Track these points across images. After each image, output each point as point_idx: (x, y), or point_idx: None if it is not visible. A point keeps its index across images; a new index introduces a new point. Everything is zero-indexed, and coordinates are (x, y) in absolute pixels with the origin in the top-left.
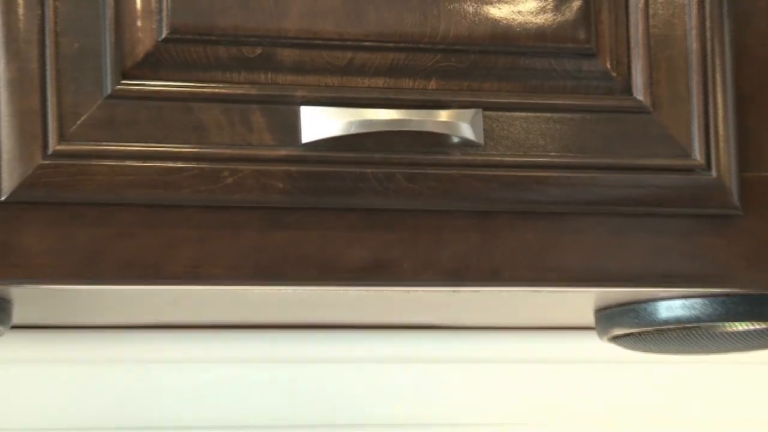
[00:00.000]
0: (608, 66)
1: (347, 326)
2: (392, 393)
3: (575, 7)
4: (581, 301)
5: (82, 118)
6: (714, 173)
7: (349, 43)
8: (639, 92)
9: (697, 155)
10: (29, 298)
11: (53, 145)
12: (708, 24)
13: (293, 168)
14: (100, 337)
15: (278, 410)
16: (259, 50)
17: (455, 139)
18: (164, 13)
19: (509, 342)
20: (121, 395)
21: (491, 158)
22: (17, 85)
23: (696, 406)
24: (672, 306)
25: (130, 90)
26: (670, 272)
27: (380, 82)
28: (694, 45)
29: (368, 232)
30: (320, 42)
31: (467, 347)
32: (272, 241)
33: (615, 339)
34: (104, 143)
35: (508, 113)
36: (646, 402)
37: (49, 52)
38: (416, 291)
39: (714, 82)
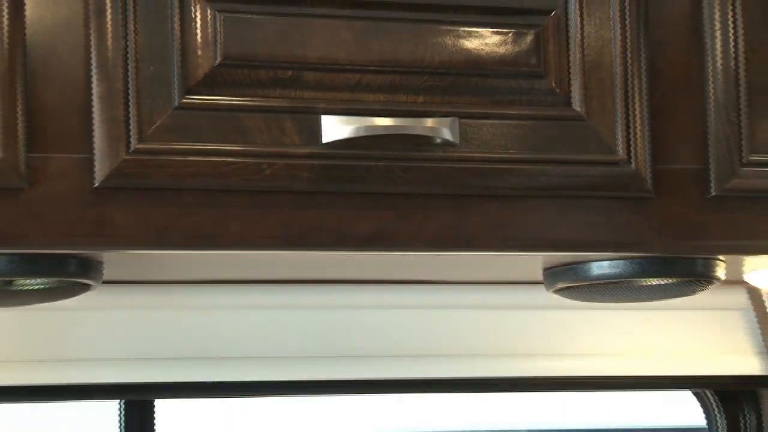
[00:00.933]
0: (553, 84)
1: (356, 281)
2: (390, 330)
3: (528, 40)
4: (533, 263)
5: (156, 124)
6: (633, 166)
7: (357, 67)
8: (577, 104)
9: (621, 152)
10: (116, 260)
11: (134, 145)
12: (629, 53)
13: (315, 162)
14: (170, 288)
15: (306, 344)
16: (289, 73)
17: (438, 140)
18: (218, 45)
19: (479, 293)
20: (187, 333)
21: (465, 154)
22: (107, 99)
23: (620, 340)
24: (601, 266)
25: (192, 103)
26: (600, 240)
27: (381, 97)
28: (618, 69)
29: (372, 211)
30: (336, 67)
31: (447, 297)
32: (299, 217)
33: (558, 291)
34: (173, 143)
35: (477, 120)
36: (581, 337)
37: (131, 74)
38: (408, 255)
39: (633, 97)
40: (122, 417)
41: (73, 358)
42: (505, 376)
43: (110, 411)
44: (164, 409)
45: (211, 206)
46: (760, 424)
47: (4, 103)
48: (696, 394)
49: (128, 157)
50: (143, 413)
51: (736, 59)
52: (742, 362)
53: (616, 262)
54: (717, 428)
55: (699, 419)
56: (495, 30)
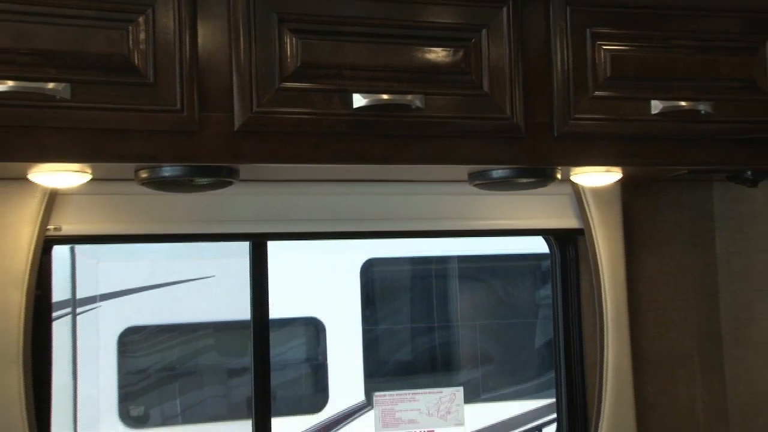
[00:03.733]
0: (473, 77)
1: (371, 180)
2: (389, 205)
3: (461, 54)
4: (462, 170)
5: (266, 98)
6: (515, 120)
7: (371, 69)
8: (485, 88)
9: (508, 113)
10: (246, 169)
11: (254, 108)
12: (512, 61)
13: (350, 118)
14: (275, 183)
15: (343, 213)
16: (335, 71)
17: (413, 107)
18: (299, 56)
19: (434, 186)
20: (282, 206)
21: (428, 114)
22: (240, 86)
23: (506, 210)
24: (499, 172)
25: (285, 87)
26: (494, 158)
27: (383, 84)
28: (507, 69)
29: (379, 144)
30: (360, 68)
31: (417, 188)
32: (341, 148)
33: (476, 185)
34: (275, 108)
35: (434, 96)
36: (486, 209)
37: (254, 72)
38: (398, 167)
39: (514, 84)
40: (251, 250)
41: (223, 219)
42: (445, 229)
43: (244, 246)
44: (273, 245)
45: (294, 142)
46: (576, 254)
47: (187, 86)
48: (545, 238)
49: (251, 115)
50: (261, 249)
51: (549, 65)
52: (568, 221)
53: (506, 170)
54: (555, 256)
55: (544, 249)
56: (443, 49)
